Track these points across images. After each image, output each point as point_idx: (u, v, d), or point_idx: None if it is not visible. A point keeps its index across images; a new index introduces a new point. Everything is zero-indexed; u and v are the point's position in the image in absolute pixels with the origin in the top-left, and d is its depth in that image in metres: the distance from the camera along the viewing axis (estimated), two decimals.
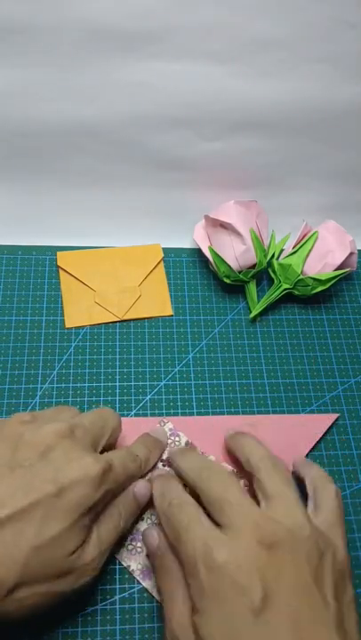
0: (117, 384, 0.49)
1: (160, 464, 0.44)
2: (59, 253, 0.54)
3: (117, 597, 0.40)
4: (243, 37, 0.45)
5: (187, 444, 0.45)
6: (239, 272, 0.52)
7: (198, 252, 0.57)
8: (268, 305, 0.53)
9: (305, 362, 0.52)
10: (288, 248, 0.53)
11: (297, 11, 0.44)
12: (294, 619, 0.29)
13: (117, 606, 0.39)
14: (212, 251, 0.52)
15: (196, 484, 0.36)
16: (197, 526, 0.33)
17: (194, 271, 0.56)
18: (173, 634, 0.32)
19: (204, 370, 0.50)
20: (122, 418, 0.46)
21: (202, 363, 0.51)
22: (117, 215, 0.57)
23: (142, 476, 0.41)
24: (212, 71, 0.47)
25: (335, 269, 0.52)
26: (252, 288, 0.53)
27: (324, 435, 0.48)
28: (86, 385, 0.48)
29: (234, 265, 0.51)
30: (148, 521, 0.42)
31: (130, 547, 0.41)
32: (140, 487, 0.39)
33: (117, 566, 0.41)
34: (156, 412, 0.48)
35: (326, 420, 0.48)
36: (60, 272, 0.54)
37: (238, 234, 0.51)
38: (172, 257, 0.56)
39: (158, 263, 0.55)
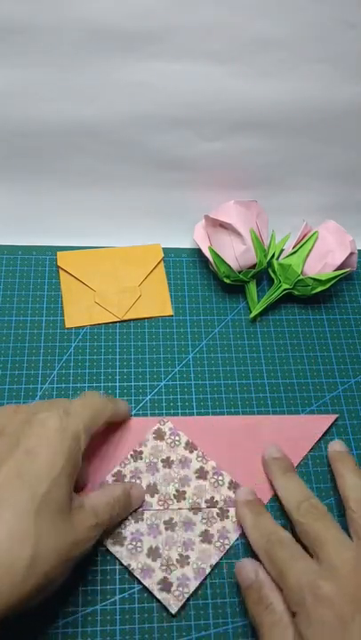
0: (117, 384, 0.49)
1: (161, 465, 0.44)
2: (59, 253, 0.54)
3: (117, 597, 0.40)
4: (243, 37, 0.45)
5: (187, 443, 0.45)
6: (239, 272, 0.52)
7: (198, 252, 0.57)
8: (268, 305, 0.53)
9: (305, 362, 0.52)
10: (288, 248, 0.53)
11: (297, 11, 0.44)
12: None
13: (117, 606, 0.39)
14: (212, 251, 0.52)
15: (293, 515, 0.40)
16: (300, 561, 0.36)
17: (194, 271, 0.56)
18: None
19: (204, 370, 0.50)
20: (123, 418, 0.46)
21: (202, 363, 0.51)
22: (117, 215, 0.57)
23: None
24: (212, 71, 0.47)
25: (335, 269, 0.52)
26: (252, 288, 0.53)
27: (323, 435, 0.48)
28: (86, 385, 0.48)
29: (234, 265, 0.51)
30: (148, 521, 0.42)
31: (130, 546, 0.41)
32: (136, 491, 0.41)
33: (117, 566, 0.41)
34: (156, 412, 0.48)
35: (326, 420, 0.48)
36: (60, 272, 0.54)
37: (238, 234, 0.51)
38: (172, 257, 0.56)
39: (158, 263, 0.55)
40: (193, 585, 0.40)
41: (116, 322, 0.52)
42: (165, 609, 0.39)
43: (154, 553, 0.41)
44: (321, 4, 0.43)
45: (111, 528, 0.41)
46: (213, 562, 0.41)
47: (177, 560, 0.40)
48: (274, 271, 0.53)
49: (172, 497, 0.43)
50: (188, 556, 0.41)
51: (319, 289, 0.52)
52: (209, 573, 0.41)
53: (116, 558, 0.41)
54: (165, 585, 0.39)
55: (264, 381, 0.50)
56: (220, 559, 0.41)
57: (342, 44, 0.46)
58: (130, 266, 0.54)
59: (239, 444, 0.46)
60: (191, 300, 0.54)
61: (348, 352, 0.53)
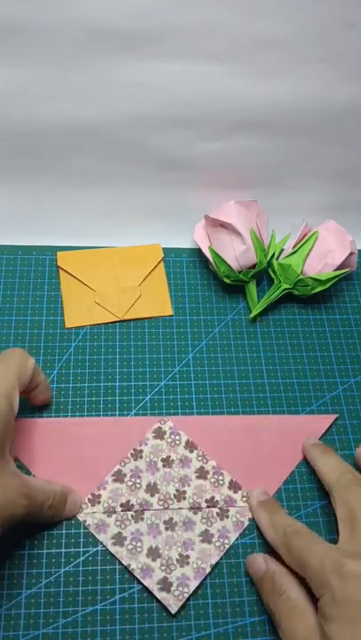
0: (117, 384, 0.49)
1: (161, 464, 0.44)
2: (59, 253, 0.54)
3: (117, 597, 0.40)
4: (243, 37, 0.45)
5: (187, 443, 0.45)
6: (239, 272, 0.52)
7: (198, 251, 0.57)
8: (268, 305, 0.53)
9: (305, 362, 0.52)
10: (288, 248, 0.53)
11: (297, 11, 0.44)
12: None
13: (117, 606, 0.39)
14: (212, 251, 0.52)
15: (334, 486, 0.41)
16: (320, 545, 0.36)
17: (194, 271, 0.56)
18: None
19: (204, 370, 0.50)
20: (122, 418, 0.46)
21: (202, 363, 0.51)
22: (117, 215, 0.57)
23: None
24: (212, 71, 0.47)
25: (335, 269, 0.52)
26: (252, 288, 0.53)
27: (323, 435, 0.48)
28: (86, 385, 0.48)
29: (234, 265, 0.51)
30: (148, 521, 0.42)
31: (130, 546, 0.41)
32: (73, 497, 0.42)
33: (117, 566, 0.41)
34: (156, 411, 0.48)
35: (326, 420, 0.48)
36: (60, 272, 0.54)
37: (238, 234, 0.51)
38: (172, 257, 0.56)
39: (158, 263, 0.55)
40: (193, 585, 0.40)
41: (115, 322, 0.52)
42: (165, 609, 0.39)
43: (154, 553, 0.41)
44: (321, 3, 0.43)
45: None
46: (213, 561, 0.41)
47: (177, 560, 0.40)
48: (274, 271, 0.53)
49: (173, 497, 0.43)
50: (188, 556, 0.41)
51: (319, 289, 0.52)
52: (209, 573, 0.41)
53: (116, 558, 0.41)
54: (165, 585, 0.39)
55: (264, 381, 0.50)
56: (220, 559, 0.41)
57: (342, 43, 0.46)
58: (130, 266, 0.54)
59: (239, 444, 0.46)
60: (191, 299, 0.54)
61: (348, 352, 0.53)
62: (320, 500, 0.44)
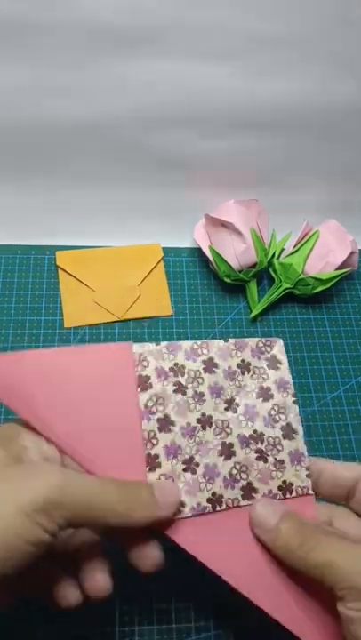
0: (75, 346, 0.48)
1: (223, 405, 0.36)
2: (58, 253, 0.54)
3: (117, 597, 0.39)
4: (243, 37, 0.45)
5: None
6: (240, 271, 0.52)
7: (198, 251, 0.56)
8: (268, 304, 0.52)
9: (306, 362, 0.51)
10: (289, 247, 0.53)
11: (297, 10, 0.44)
12: None
13: (117, 606, 0.39)
14: (212, 250, 0.52)
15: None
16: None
17: (194, 271, 0.56)
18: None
19: None
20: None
21: None
22: (117, 215, 0.57)
23: None
24: (212, 71, 0.47)
25: (336, 269, 0.52)
26: (252, 287, 0.53)
27: (323, 435, 0.47)
28: None
29: (234, 264, 0.51)
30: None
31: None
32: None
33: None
34: None
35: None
36: (60, 272, 0.54)
37: (239, 233, 0.50)
38: (172, 257, 0.56)
39: (158, 263, 0.55)
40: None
41: (115, 321, 0.52)
42: (166, 610, 0.39)
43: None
44: (321, 3, 0.44)
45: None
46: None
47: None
48: (274, 270, 0.53)
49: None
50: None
51: (320, 288, 0.52)
52: None
53: None
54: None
55: None
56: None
57: (342, 43, 0.46)
58: (130, 265, 0.54)
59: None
60: (191, 299, 0.54)
61: (349, 352, 0.52)
62: None
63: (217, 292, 0.54)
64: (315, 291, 0.52)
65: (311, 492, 0.35)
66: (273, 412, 0.36)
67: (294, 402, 0.37)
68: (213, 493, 0.33)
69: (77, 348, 0.36)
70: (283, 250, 0.54)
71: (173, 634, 0.38)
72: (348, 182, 0.57)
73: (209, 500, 0.33)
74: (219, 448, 0.34)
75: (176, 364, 0.36)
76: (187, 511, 0.32)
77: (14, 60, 0.45)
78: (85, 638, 0.38)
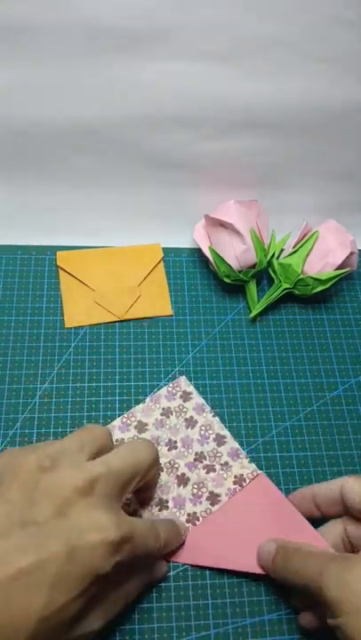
0: (117, 384, 0.48)
1: (165, 448, 0.45)
2: (58, 253, 0.54)
3: None
4: (243, 37, 0.45)
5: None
6: (239, 272, 0.52)
7: (198, 251, 0.56)
8: (268, 305, 0.53)
9: (305, 362, 0.52)
10: (288, 247, 0.53)
11: (297, 11, 0.44)
12: None
13: None
14: (212, 250, 0.52)
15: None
16: None
17: (194, 271, 0.56)
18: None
19: (204, 370, 0.50)
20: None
21: (202, 363, 0.50)
22: (117, 215, 0.57)
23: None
24: (213, 71, 0.47)
25: (336, 269, 0.52)
26: (252, 288, 0.53)
27: (322, 434, 0.47)
28: (86, 385, 0.48)
29: (234, 264, 0.51)
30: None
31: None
32: (159, 571, 0.39)
33: None
34: None
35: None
36: (60, 272, 0.54)
37: (238, 233, 0.51)
38: (172, 257, 0.56)
39: (158, 263, 0.55)
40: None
41: (115, 322, 0.52)
42: (166, 609, 0.39)
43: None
44: (321, 3, 0.43)
45: None
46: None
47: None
48: (274, 271, 0.53)
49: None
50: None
51: (320, 288, 0.52)
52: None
53: None
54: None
55: (264, 381, 0.50)
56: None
57: (343, 43, 0.46)
58: (130, 266, 0.54)
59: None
60: (191, 299, 0.54)
61: (348, 352, 0.53)
62: None
63: (217, 293, 0.55)
64: (314, 291, 0.52)
65: (258, 471, 0.44)
66: (202, 432, 0.46)
67: (213, 415, 0.47)
68: (188, 514, 0.42)
69: None
70: (282, 250, 0.55)
71: (173, 634, 0.38)
72: (347, 182, 0.57)
73: (188, 521, 0.42)
74: (176, 481, 0.43)
75: (116, 440, 0.44)
76: None
77: (15, 61, 0.45)
78: None
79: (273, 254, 0.54)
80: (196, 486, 0.43)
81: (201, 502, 0.43)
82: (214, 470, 0.44)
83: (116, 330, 0.51)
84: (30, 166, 0.53)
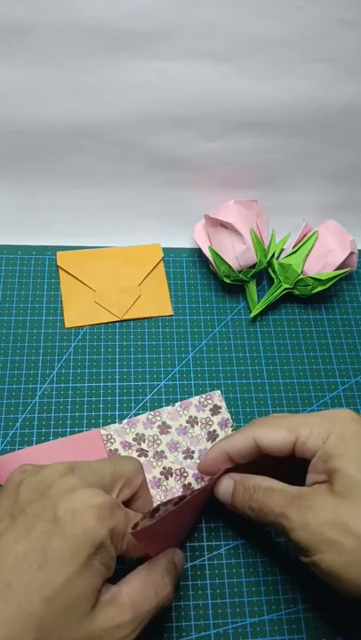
0: (117, 384, 0.48)
1: (181, 455, 0.45)
2: (58, 253, 0.54)
3: None
4: (243, 37, 0.45)
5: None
6: (239, 272, 0.52)
7: (198, 251, 0.56)
8: (268, 305, 0.53)
9: (305, 362, 0.52)
10: (288, 248, 0.53)
11: (297, 11, 0.44)
12: None
13: None
14: (212, 250, 0.52)
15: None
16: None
17: (194, 271, 0.56)
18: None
19: (204, 370, 0.50)
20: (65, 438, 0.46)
21: (202, 363, 0.50)
22: (117, 215, 0.57)
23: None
24: (213, 71, 0.47)
25: (335, 269, 0.52)
26: (252, 288, 0.53)
27: None
28: (86, 385, 0.48)
29: (234, 265, 0.51)
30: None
31: None
32: (179, 557, 0.36)
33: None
34: None
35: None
36: (60, 272, 0.54)
37: (238, 233, 0.51)
38: (172, 257, 0.56)
39: (158, 263, 0.55)
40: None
41: (115, 322, 0.52)
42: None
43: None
44: (321, 3, 0.43)
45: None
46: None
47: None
48: (274, 271, 0.53)
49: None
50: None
51: (319, 288, 0.52)
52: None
53: None
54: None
55: (264, 381, 0.50)
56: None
57: (342, 43, 0.46)
58: (130, 266, 0.54)
59: None
60: (191, 299, 0.54)
61: (348, 352, 0.53)
62: None
63: (217, 293, 0.55)
64: (314, 291, 0.52)
65: None
66: None
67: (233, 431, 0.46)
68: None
69: (57, 442, 0.45)
70: (282, 250, 0.55)
71: (173, 634, 0.39)
72: (347, 182, 0.57)
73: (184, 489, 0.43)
74: (181, 489, 0.43)
75: (137, 434, 0.45)
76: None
77: (15, 60, 0.45)
78: None
79: (273, 254, 0.54)
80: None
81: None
82: None
83: (116, 330, 0.51)
84: (30, 166, 0.53)
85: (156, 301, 0.53)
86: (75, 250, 0.55)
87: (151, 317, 0.52)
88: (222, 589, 0.41)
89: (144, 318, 0.52)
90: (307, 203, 0.58)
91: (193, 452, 0.45)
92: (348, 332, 0.54)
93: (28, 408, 0.46)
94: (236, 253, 0.51)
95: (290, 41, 0.46)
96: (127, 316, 0.52)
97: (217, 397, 0.48)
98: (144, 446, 0.45)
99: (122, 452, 0.44)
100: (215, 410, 0.47)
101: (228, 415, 0.47)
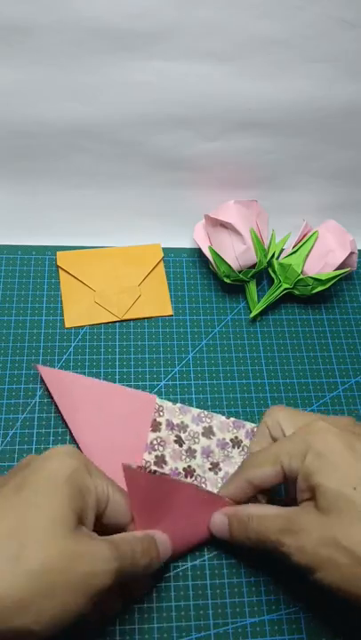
0: (117, 384, 0.48)
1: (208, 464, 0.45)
2: (58, 253, 0.54)
3: None
4: (243, 37, 0.45)
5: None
6: (239, 272, 0.52)
7: (198, 251, 0.56)
8: (268, 305, 0.53)
9: (305, 362, 0.52)
10: (288, 248, 0.53)
11: (297, 11, 0.44)
12: None
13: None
14: (212, 250, 0.52)
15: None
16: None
17: (194, 271, 0.56)
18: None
19: (204, 370, 0.50)
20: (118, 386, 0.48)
21: (202, 363, 0.50)
22: (117, 215, 0.57)
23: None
24: (213, 71, 0.47)
25: (335, 269, 0.52)
26: (252, 288, 0.53)
27: None
28: None
29: (234, 265, 0.51)
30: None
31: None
32: (162, 538, 0.37)
33: None
34: None
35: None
36: (60, 272, 0.54)
37: (238, 233, 0.51)
38: (172, 257, 0.56)
39: (158, 263, 0.55)
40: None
41: (115, 322, 0.52)
42: (166, 609, 0.39)
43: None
44: (321, 3, 0.43)
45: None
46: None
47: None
48: (274, 271, 0.53)
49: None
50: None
51: (319, 288, 0.52)
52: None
53: None
54: None
55: (264, 381, 0.50)
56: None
57: (342, 43, 0.46)
58: (130, 266, 0.54)
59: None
60: (191, 299, 0.54)
61: (348, 352, 0.53)
62: None
63: (217, 293, 0.55)
64: (314, 291, 0.52)
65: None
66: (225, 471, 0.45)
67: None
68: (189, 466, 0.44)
69: (114, 386, 0.47)
70: (282, 250, 0.55)
71: (173, 634, 0.39)
72: (347, 182, 0.57)
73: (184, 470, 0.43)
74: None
75: (182, 422, 0.46)
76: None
77: (15, 60, 0.45)
78: (85, 637, 0.38)
79: (273, 254, 0.54)
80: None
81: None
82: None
83: (116, 330, 0.51)
84: (30, 166, 0.53)
85: (156, 301, 0.53)
86: (75, 250, 0.55)
87: (151, 317, 0.52)
88: (222, 589, 0.40)
89: (144, 318, 0.52)
90: (307, 203, 0.58)
91: (220, 469, 0.44)
92: (348, 332, 0.54)
93: (28, 408, 0.46)
94: (236, 253, 0.51)
95: (290, 41, 0.46)
96: (127, 316, 0.52)
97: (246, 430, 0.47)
98: (183, 436, 0.45)
99: (164, 429, 0.45)
100: (238, 443, 0.46)
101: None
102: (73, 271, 0.53)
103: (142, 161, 0.54)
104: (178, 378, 0.49)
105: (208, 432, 0.46)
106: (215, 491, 0.42)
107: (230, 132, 0.52)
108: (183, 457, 0.44)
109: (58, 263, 0.54)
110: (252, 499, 0.39)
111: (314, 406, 0.49)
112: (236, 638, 0.39)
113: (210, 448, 0.45)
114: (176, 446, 0.44)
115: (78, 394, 0.46)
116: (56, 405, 0.46)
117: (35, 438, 0.45)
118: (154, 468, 0.43)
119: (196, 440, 0.45)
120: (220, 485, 0.43)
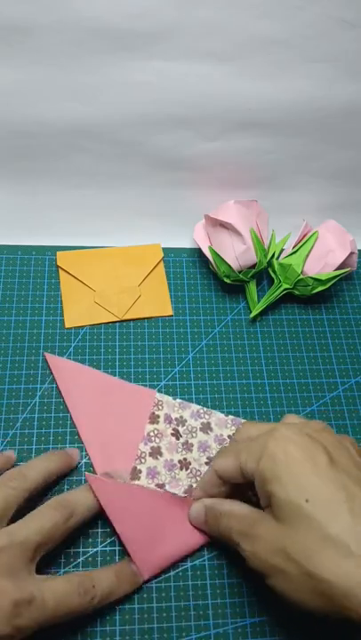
0: (119, 379, 0.48)
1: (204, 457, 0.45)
2: (58, 253, 0.54)
3: None
4: (243, 37, 0.45)
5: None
6: (239, 272, 0.52)
7: (198, 251, 0.56)
8: (268, 305, 0.53)
9: (305, 362, 0.52)
10: (288, 248, 0.53)
11: (297, 11, 0.44)
12: None
13: (117, 607, 0.39)
14: (212, 250, 0.52)
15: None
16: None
17: (194, 271, 0.56)
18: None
19: (204, 370, 0.50)
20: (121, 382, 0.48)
21: (202, 363, 0.50)
22: (117, 215, 0.57)
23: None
24: (213, 71, 0.47)
25: (335, 269, 0.52)
26: (252, 288, 0.53)
27: None
28: None
29: (234, 265, 0.51)
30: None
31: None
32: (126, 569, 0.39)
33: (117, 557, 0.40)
34: None
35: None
36: (60, 272, 0.54)
37: (238, 233, 0.51)
38: (172, 257, 0.56)
39: (158, 263, 0.55)
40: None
41: (115, 322, 0.52)
42: (166, 609, 0.39)
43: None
44: (321, 3, 0.43)
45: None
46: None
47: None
48: (274, 271, 0.53)
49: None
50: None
51: (319, 289, 0.52)
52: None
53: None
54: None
55: (264, 381, 0.50)
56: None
57: (342, 43, 0.46)
58: (130, 266, 0.54)
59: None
60: (191, 299, 0.54)
61: (348, 352, 0.53)
62: None
63: (217, 293, 0.55)
64: (314, 291, 0.52)
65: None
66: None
67: None
68: (158, 484, 0.43)
69: (115, 380, 0.48)
70: (282, 250, 0.55)
71: (173, 634, 0.39)
72: (347, 182, 0.57)
73: (159, 486, 0.43)
74: (185, 487, 0.43)
75: (181, 417, 0.47)
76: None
77: (15, 60, 0.45)
78: (86, 637, 0.38)
79: (273, 254, 0.54)
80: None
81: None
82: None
83: (116, 330, 0.51)
84: (30, 166, 0.53)
85: (156, 301, 0.53)
86: (75, 250, 0.55)
87: (151, 317, 0.52)
88: (222, 589, 0.41)
89: (144, 318, 0.52)
90: (307, 203, 0.58)
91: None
92: (349, 332, 0.54)
93: (28, 408, 0.46)
94: (236, 253, 0.51)
95: (290, 41, 0.46)
96: (127, 316, 0.52)
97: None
98: (181, 430, 0.46)
99: (162, 423, 0.46)
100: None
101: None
102: (73, 271, 0.53)
103: (142, 161, 0.54)
104: (178, 378, 0.49)
105: (206, 427, 0.46)
106: None
107: (230, 131, 0.52)
108: (180, 450, 0.45)
109: (58, 263, 0.54)
110: (238, 495, 0.39)
111: (314, 406, 0.49)
112: (236, 638, 0.39)
113: (207, 443, 0.46)
114: (173, 439, 0.45)
115: (82, 383, 0.47)
116: (61, 394, 0.47)
117: (35, 438, 0.45)
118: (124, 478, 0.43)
119: (194, 434, 0.46)
120: None
